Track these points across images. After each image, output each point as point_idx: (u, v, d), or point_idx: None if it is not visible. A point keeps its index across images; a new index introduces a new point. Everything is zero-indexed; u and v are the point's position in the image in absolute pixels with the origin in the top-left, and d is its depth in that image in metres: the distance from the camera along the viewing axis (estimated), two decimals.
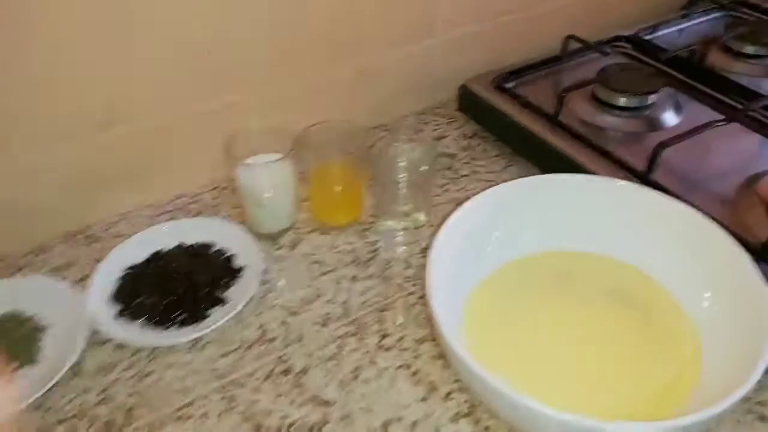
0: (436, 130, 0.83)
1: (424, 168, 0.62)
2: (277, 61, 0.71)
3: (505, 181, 0.72)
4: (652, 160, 0.61)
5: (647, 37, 0.87)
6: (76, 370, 0.55)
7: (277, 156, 0.62)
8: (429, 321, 0.58)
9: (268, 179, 0.62)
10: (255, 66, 0.69)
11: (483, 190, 0.71)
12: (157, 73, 0.65)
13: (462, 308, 0.54)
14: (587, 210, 0.58)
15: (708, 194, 0.61)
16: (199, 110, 0.69)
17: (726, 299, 0.51)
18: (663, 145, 0.60)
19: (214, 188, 0.75)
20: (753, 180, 0.62)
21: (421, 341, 0.56)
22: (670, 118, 0.72)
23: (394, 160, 0.64)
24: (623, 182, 0.58)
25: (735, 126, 0.65)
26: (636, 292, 0.55)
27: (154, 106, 0.66)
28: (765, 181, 0.60)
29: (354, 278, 0.63)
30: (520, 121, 0.73)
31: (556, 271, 0.57)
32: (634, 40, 0.87)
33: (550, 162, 0.70)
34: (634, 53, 0.85)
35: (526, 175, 0.72)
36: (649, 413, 0.46)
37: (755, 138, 0.66)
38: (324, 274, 0.63)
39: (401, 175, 0.64)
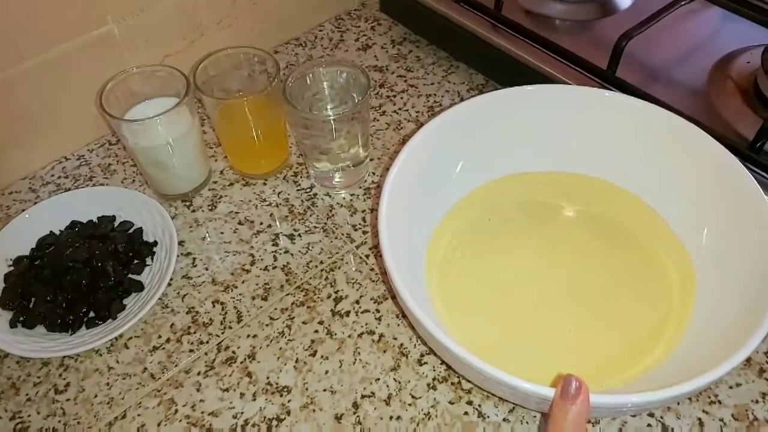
0: (358, 39, 0.71)
1: (355, 97, 0.52)
2: None
3: (447, 92, 0.64)
4: (615, 55, 0.53)
5: None
6: None
7: (170, 103, 0.51)
8: (385, 275, 0.50)
9: (164, 134, 0.51)
10: None
11: (424, 107, 0.63)
12: None
13: (423, 258, 0.47)
14: (558, 125, 0.49)
15: (680, 88, 0.55)
16: (62, 50, 0.54)
17: (727, 233, 0.43)
18: (626, 37, 0.52)
19: (102, 144, 0.62)
20: (724, 63, 0.55)
21: (380, 300, 0.49)
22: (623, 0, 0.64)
23: (317, 90, 0.53)
24: (597, 90, 0.49)
25: (699, 2, 0.58)
26: (620, 217, 0.49)
27: (3, 54, 0.51)
28: None
29: (292, 235, 0.54)
30: (456, 20, 0.62)
31: (527, 198, 0.50)
32: None
33: (496, 65, 0.61)
34: None
35: (468, 83, 0.64)
36: (626, 365, 0.41)
37: (718, 13, 0.59)
38: (255, 234, 0.54)
39: (329, 107, 0.54)
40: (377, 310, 0.48)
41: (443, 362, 0.45)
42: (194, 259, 0.53)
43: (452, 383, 0.44)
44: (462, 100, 0.63)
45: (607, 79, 0.54)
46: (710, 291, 0.43)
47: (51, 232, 0.53)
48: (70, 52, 0.55)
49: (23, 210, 0.56)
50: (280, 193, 0.57)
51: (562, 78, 0.56)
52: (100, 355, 0.47)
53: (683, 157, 0.46)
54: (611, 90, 0.52)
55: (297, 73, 0.52)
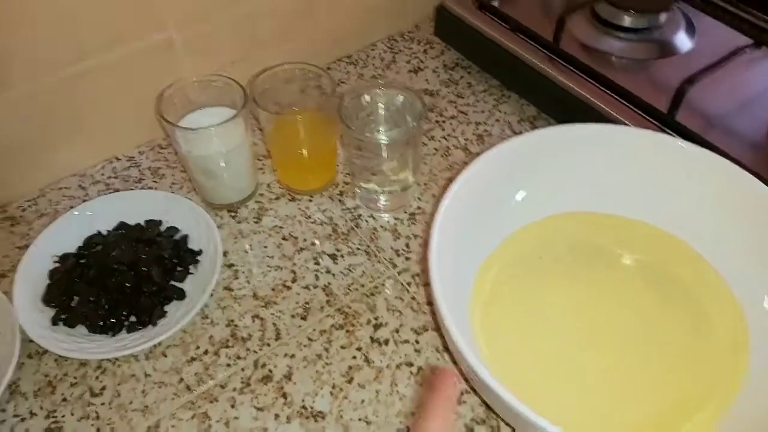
0: (410, 61, 0.71)
1: (410, 122, 0.51)
2: None
3: (497, 122, 0.64)
4: (677, 98, 0.52)
5: None
6: (12, 389, 0.46)
7: (225, 113, 0.51)
8: (429, 305, 0.50)
9: (218, 144, 0.51)
10: None
11: (473, 135, 0.63)
12: (56, 12, 0.50)
13: (469, 291, 0.47)
14: (615, 166, 0.48)
15: (739, 137, 0.53)
16: (121, 53, 0.55)
17: None
18: (690, 82, 0.51)
19: (153, 147, 0.62)
20: None
21: (420, 331, 0.48)
22: (682, 41, 0.63)
23: (371, 111, 0.53)
24: (660, 135, 0.48)
25: (763, 50, 0.57)
26: (677, 270, 0.47)
27: (64, 52, 0.52)
28: None
29: (335, 255, 0.54)
30: (512, 49, 0.62)
31: (579, 238, 0.49)
32: None
33: (550, 99, 0.61)
34: None
35: (519, 114, 0.64)
36: (675, 422, 0.40)
37: None
38: (299, 251, 0.54)
39: (382, 129, 0.53)
40: (417, 341, 0.48)
41: (483, 402, 0.44)
42: (236, 271, 0.53)
43: (491, 426, 0.43)
44: (512, 131, 0.63)
45: (667, 122, 0.53)
46: (765, 352, 0.41)
47: (98, 231, 0.53)
48: (129, 54, 0.55)
49: (71, 206, 0.57)
50: (325, 211, 0.57)
51: (619, 117, 0.55)
52: (138, 360, 0.47)
53: (744, 212, 0.45)
54: (672, 134, 0.51)
55: (353, 93, 0.52)
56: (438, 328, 0.49)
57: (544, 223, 0.49)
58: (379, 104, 0.52)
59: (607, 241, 0.48)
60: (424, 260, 0.53)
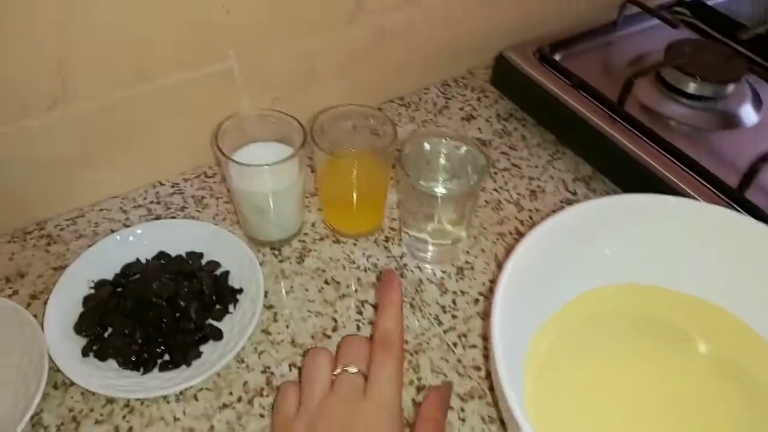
0: (463, 108, 0.70)
1: (471, 177, 0.49)
2: (277, 18, 0.56)
3: (551, 178, 0.62)
4: (749, 175, 0.50)
5: (711, 3, 0.74)
6: (34, 421, 0.44)
7: (278, 148, 0.50)
8: (476, 370, 0.47)
9: (271, 181, 0.49)
10: (247, 23, 0.54)
11: (526, 190, 0.61)
12: (120, 32, 0.49)
13: (522, 361, 0.44)
14: (682, 241, 0.46)
15: None
16: (178, 79, 0.54)
17: None
18: (764, 159, 0.49)
19: (198, 175, 0.61)
20: None
21: (466, 398, 0.46)
22: (748, 114, 0.61)
23: (430, 159, 0.51)
24: (752, 221, 0.44)
25: None
26: (756, 370, 0.43)
27: (119, 74, 0.51)
28: None
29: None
30: (572, 105, 0.60)
31: (644, 314, 0.46)
32: (696, 7, 0.74)
33: (610, 159, 0.59)
34: (696, 22, 0.73)
35: (574, 173, 0.62)
36: None
37: None
38: (341, 297, 0.52)
39: (440, 178, 0.52)
40: (462, 409, 0.45)
41: None
42: (276, 313, 0.51)
43: None
44: (567, 189, 0.61)
45: (737, 199, 0.50)
46: None
47: (137, 259, 0.52)
48: (187, 81, 0.54)
49: (111, 229, 0.56)
50: (369, 257, 0.55)
51: (683, 186, 0.53)
52: (168, 402, 0.45)
53: None
54: (741, 212, 0.49)
55: (415, 141, 0.50)
56: (485, 396, 0.46)
57: (605, 291, 0.46)
58: (441, 154, 0.50)
59: (678, 321, 0.45)
60: (471, 320, 0.50)
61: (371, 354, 0.37)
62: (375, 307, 0.51)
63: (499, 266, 0.54)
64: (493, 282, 0.53)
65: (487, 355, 0.49)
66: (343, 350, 0.39)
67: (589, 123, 0.59)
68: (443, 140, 0.50)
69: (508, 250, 0.55)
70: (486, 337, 0.49)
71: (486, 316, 0.51)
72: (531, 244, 0.43)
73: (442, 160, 0.51)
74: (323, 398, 0.36)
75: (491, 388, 0.47)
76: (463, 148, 0.50)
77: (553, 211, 0.58)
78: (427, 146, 0.51)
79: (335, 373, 0.37)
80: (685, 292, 0.45)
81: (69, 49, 0.48)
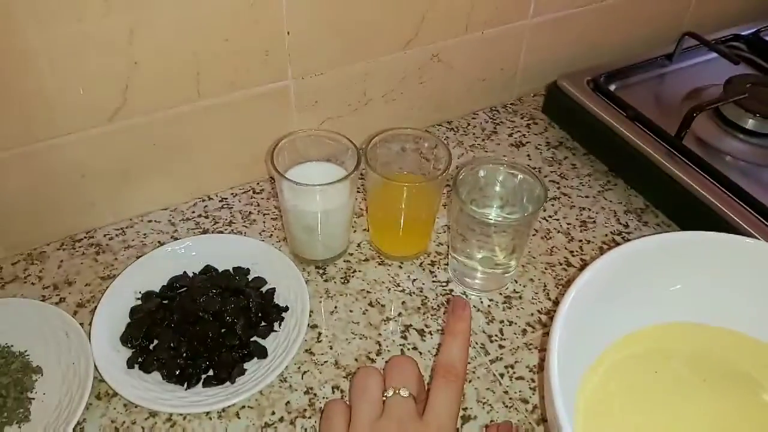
0: (512, 134, 0.69)
1: (526, 207, 0.49)
2: (336, 41, 0.56)
3: (603, 209, 0.60)
4: None
5: None
6: (76, 431, 0.44)
7: (330, 169, 0.50)
8: (523, 403, 0.46)
9: (323, 201, 0.49)
10: (306, 44, 0.55)
11: (576, 220, 0.59)
12: (184, 47, 0.50)
13: (574, 394, 0.42)
14: (746, 282, 0.44)
15: None
16: (234, 96, 0.54)
17: None
18: None
19: (247, 191, 0.61)
20: None
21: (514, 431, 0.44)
22: None
23: (484, 186, 0.51)
24: None
25: None
26: None
27: (176, 88, 0.52)
28: None
29: (423, 331, 0.50)
30: (627, 136, 0.59)
31: (706, 355, 0.44)
32: (754, 42, 0.72)
33: (664, 193, 0.58)
34: (754, 57, 0.71)
35: (626, 204, 0.61)
36: None
37: None
38: (385, 321, 0.51)
39: (494, 205, 0.51)
40: None
41: None
42: (320, 333, 0.50)
43: None
44: (618, 221, 0.59)
45: None
46: None
47: (185, 272, 0.52)
48: (244, 98, 0.55)
49: (159, 241, 0.56)
50: (414, 281, 0.54)
51: (742, 224, 0.51)
52: (210, 419, 0.44)
53: None
54: None
55: (471, 168, 0.49)
56: (531, 430, 0.44)
57: (664, 329, 0.45)
58: (497, 183, 0.50)
59: (744, 366, 0.43)
60: (518, 351, 0.49)
61: (433, 379, 0.36)
62: (419, 332, 0.50)
63: (548, 296, 0.53)
64: (542, 312, 0.52)
65: (534, 388, 0.47)
66: (393, 372, 0.37)
67: (645, 155, 0.58)
68: (500, 167, 0.49)
69: (558, 281, 0.54)
70: (535, 368, 0.48)
71: (534, 347, 0.49)
72: (595, 273, 0.41)
73: (497, 188, 0.50)
74: (375, 420, 0.35)
75: (538, 422, 0.45)
76: (519, 177, 0.49)
77: (604, 243, 0.57)
78: (482, 172, 0.50)
79: (386, 395, 0.36)
80: (752, 336, 0.43)
81: (134, 61, 0.48)
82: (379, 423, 0.35)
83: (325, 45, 0.56)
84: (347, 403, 0.37)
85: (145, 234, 0.57)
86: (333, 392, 0.46)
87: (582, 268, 0.55)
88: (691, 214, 0.56)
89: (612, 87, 0.65)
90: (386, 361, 0.39)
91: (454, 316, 0.38)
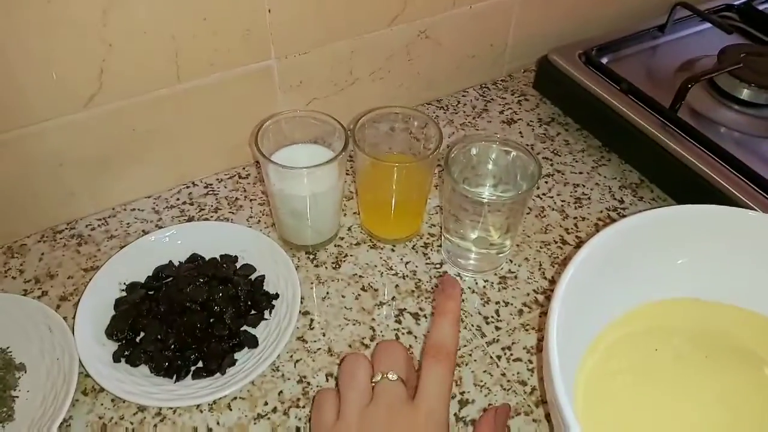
0: (503, 111, 0.67)
1: (519, 185, 0.47)
2: (320, 18, 0.54)
3: (597, 185, 0.59)
4: None
5: (762, 7, 0.71)
6: (61, 429, 0.42)
7: (318, 151, 0.48)
8: (521, 385, 0.45)
9: (311, 185, 0.47)
10: (288, 22, 0.53)
11: (570, 197, 0.58)
12: (159, 27, 0.48)
13: (574, 371, 0.41)
14: (748, 255, 0.43)
15: None
16: (214, 77, 0.52)
17: None
18: None
19: (232, 176, 0.60)
20: None
21: (512, 414, 0.43)
22: None
23: (476, 164, 0.49)
24: None
25: None
26: None
27: (154, 71, 0.50)
28: None
29: (417, 315, 0.49)
30: (620, 110, 0.58)
31: (706, 331, 0.43)
32: (746, 11, 0.71)
33: (660, 167, 0.57)
34: (746, 27, 0.70)
35: (621, 180, 0.60)
36: None
37: None
38: (378, 305, 0.50)
39: (487, 184, 0.50)
40: (508, 427, 0.43)
41: None
42: (312, 320, 0.49)
43: None
44: (613, 197, 0.58)
45: None
46: None
47: (170, 262, 0.50)
48: (226, 80, 0.53)
49: (143, 230, 0.54)
50: (407, 263, 0.53)
51: (739, 196, 0.50)
52: (201, 411, 0.43)
53: None
54: None
55: (462, 146, 0.48)
56: (531, 412, 0.44)
57: (664, 305, 0.44)
58: (490, 160, 0.48)
59: (747, 341, 0.42)
60: (515, 332, 0.48)
61: (423, 360, 0.36)
62: (414, 316, 0.49)
63: (544, 275, 0.52)
64: (538, 292, 0.51)
65: (532, 369, 0.46)
66: (381, 356, 0.37)
67: (640, 129, 0.56)
68: (492, 145, 0.48)
69: (553, 259, 0.53)
70: (533, 349, 0.47)
71: (531, 328, 0.48)
72: (593, 250, 0.40)
73: (490, 166, 0.49)
74: (364, 406, 0.35)
75: (537, 404, 0.44)
76: (513, 154, 0.48)
77: (600, 220, 0.56)
78: (474, 150, 0.48)
79: (375, 380, 0.36)
80: (754, 310, 0.42)
81: (108, 43, 0.46)
82: (368, 410, 0.34)
83: (309, 22, 0.54)
84: (337, 391, 0.36)
85: (128, 223, 0.55)
86: (327, 380, 0.45)
87: (578, 245, 0.54)
88: (687, 188, 0.54)
89: (604, 60, 0.63)
90: (375, 346, 0.38)
91: (443, 295, 0.38)
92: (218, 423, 0.43)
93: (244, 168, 0.60)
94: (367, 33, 0.57)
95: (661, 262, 0.44)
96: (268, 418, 0.43)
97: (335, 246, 0.54)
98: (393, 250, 0.54)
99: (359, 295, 0.50)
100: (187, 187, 0.58)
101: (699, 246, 0.43)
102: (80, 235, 0.54)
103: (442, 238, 0.53)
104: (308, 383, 0.45)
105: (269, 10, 0.51)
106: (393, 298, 0.50)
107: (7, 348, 0.46)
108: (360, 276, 0.52)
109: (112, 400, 0.44)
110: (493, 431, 0.38)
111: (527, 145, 0.63)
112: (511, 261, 0.53)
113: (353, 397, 0.35)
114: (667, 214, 0.43)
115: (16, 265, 0.52)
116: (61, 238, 0.54)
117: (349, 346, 0.47)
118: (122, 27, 0.46)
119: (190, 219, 0.55)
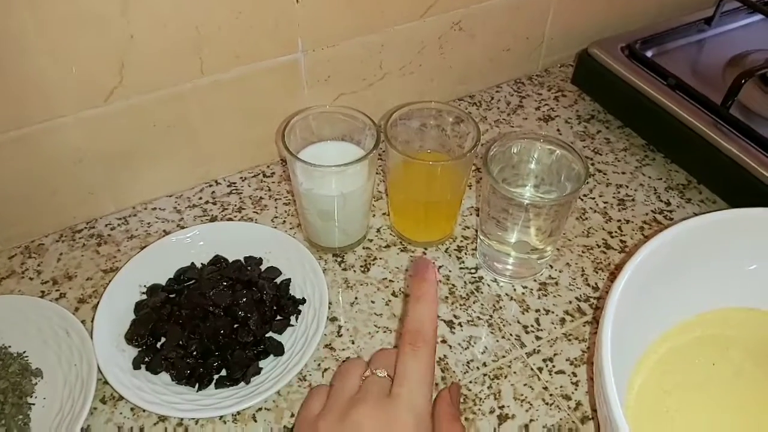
0: (540, 108, 0.64)
1: (563, 186, 0.44)
2: (349, 9, 0.51)
3: (641, 186, 0.56)
4: None
5: None
6: None
7: (348, 148, 0.46)
8: (565, 399, 0.42)
9: (341, 184, 0.45)
10: (316, 13, 0.50)
11: (613, 199, 0.55)
12: (182, 19, 0.46)
13: (626, 384, 0.38)
14: None
15: None
16: (239, 71, 0.50)
17: None
18: None
19: (256, 175, 0.57)
20: None
21: (554, 430, 0.40)
22: None
23: (517, 164, 0.46)
24: None
25: None
26: None
27: (177, 64, 0.48)
28: None
29: (452, 323, 0.46)
30: (669, 107, 0.54)
31: (763, 341, 0.40)
32: None
33: (711, 167, 0.53)
34: None
35: (667, 180, 0.56)
36: None
37: None
38: None
39: (528, 185, 0.47)
40: None
41: None
42: (340, 327, 0.46)
43: None
44: (659, 199, 0.55)
45: None
46: None
47: (192, 264, 0.48)
48: (251, 74, 0.51)
49: (164, 231, 0.52)
50: (440, 267, 0.50)
51: None
52: (225, 422, 0.41)
53: None
54: None
55: (502, 144, 0.45)
56: (575, 430, 0.40)
57: (722, 314, 0.40)
58: (532, 159, 0.45)
59: None
60: (557, 342, 0.45)
61: (399, 349, 0.34)
62: (448, 324, 0.46)
63: (587, 282, 0.49)
64: (581, 300, 0.48)
65: (577, 383, 0.43)
66: (375, 357, 0.37)
67: (689, 127, 0.53)
68: (535, 143, 0.45)
69: (596, 265, 0.50)
70: (576, 361, 0.44)
71: (575, 338, 0.45)
72: (647, 256, 0.37)
73: (532, 165, 0.46)
74: (348, 398, 0.34)
75: (583, 420, 0.41)
76: (557, 152, 0.44)
77: (645, 223, 0.53)
78: (515, 149, 0.45)
79: (364, 376, 0.35)
80: None
81: (129, 35, 0.44)
82: (350, 400, 0.33)
83: (337, 14, 0.51)
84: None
85: (149, 223, 0.53)
86: None
87: (622, 250, 0.51)
88: (740, 189, 0.51)
89: (649, 54, 0.60)
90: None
91: (417, 278, 0.36)
92: None
93: (268, 166, 0.58)
94: (398, 25, 0.55)
95: (719, 269, 0.40)
96: None
97: (364, 248, 0.51)
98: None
99: (389, 300, 0.48)
100: (210, 186, 0.56)
101: (760, 252, 0.40)
102: (100, 235, 0.52)
103: (478, 240, 0.50)
104: None
105: (297, 1, 0.48)
106: None
107: (24, 352, 0.44)
108: (390, 280, 0.49)
109: (132, 409, 0.42)
110: (450, 405, 0.36)
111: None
112: (552, 266, 0.50)
113: (339, 388, 0.35)
114: (727, 217, 0.40)
115: (33, 266, 0.50)
116: (80, 238, 0.52)
117: None
118: (144, 18, 0.44)
119: (213, 219, 0.53)
